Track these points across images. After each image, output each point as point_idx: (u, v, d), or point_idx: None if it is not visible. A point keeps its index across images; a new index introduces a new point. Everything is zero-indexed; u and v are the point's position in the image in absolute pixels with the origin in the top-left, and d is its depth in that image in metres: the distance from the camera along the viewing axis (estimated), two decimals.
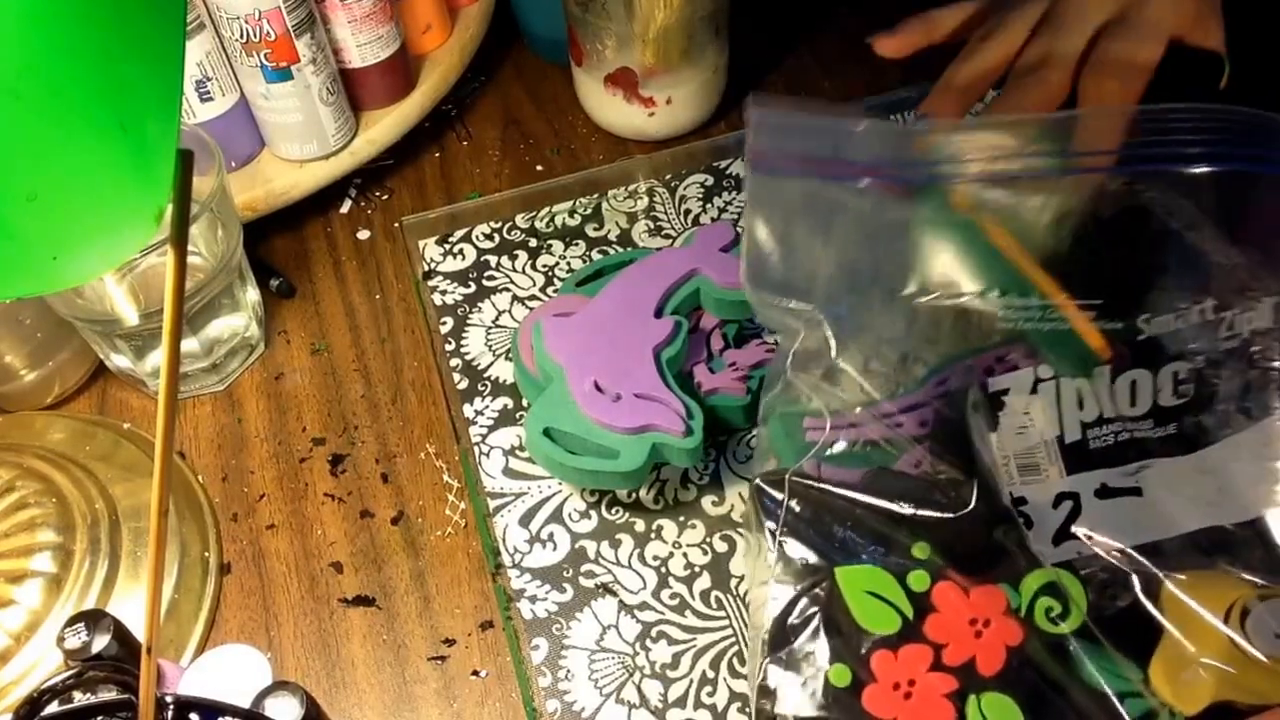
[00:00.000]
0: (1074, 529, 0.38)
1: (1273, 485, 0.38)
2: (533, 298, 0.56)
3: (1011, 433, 0.39)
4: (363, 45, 0.57)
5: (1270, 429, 0.39)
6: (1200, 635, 0.36)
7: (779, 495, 0.38)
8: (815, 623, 0.36)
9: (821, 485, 0.38)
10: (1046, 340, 0.39)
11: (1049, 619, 0.36)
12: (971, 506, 0.37)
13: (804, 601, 0.37)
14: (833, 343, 0.39)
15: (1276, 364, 0.39)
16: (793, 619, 0.37)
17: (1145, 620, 0.36)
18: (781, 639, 0.36)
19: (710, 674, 0.43)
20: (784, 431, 0.40)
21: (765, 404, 0.40)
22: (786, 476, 0.38)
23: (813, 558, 0.37)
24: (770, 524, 0.38)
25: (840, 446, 0.39)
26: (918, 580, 0.36)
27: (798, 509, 0.38)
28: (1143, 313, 0.39)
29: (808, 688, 0.36)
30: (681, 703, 0.42)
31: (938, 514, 0.37)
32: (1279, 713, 0.33)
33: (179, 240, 0.26)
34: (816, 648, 0.36)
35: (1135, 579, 0.37)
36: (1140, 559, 0.37)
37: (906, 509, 0.37)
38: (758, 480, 0.39)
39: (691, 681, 0.43)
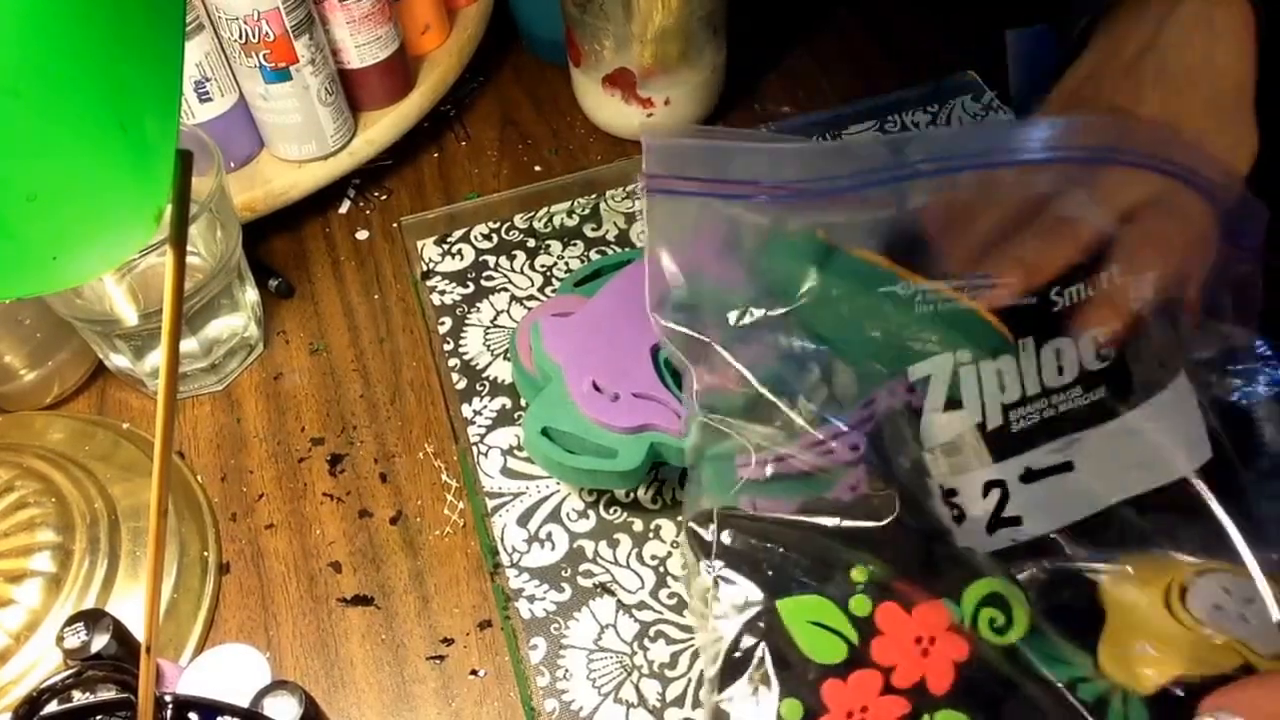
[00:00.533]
0: (1004, 514, 0.38)
1: (1197, 443, 0.39)
2: (531, 298, 0.56)
3: (935, 425, 0.39)
4: (361, 46, 0.58)
5: (1183, 386, 0.39)
6: (1143, 617, 0.36)
7: (708, 533, 0.37)
8: (761, 657, 0.35)
9: (752, 515, 0.38)
10: (955, 326, 0.39)
11: (993, 630, 0.35)
12: (896, 513, 0.36)
13: (747, 638, 0.36)
14: (744, 371, 0.39)
15: (1185, 319, 0.40)
16: (738, 654, 0.36)
17: (1088, 609, 0.37)
18: (731, 676, 0.36)
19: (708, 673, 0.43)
20: (715, 474, 0.39)
21: (689, 450, 0.40)
22: (715, 510, 0.37)
23: (754, 592, 0.36)
24: (705, 563, 0.37)
25: (770, 477, 0.38)
26: (859, 605, 0.35)
27: (729, 542, 0.37)
28: (1054, 285, 0.40)
29: None
30: (679, 702, 0.42)
31: (865, 523, 0.36)
32: (1239, 685, 0.33)
33: (178, 240, 0.26)
34: (766, 684, 0.35)
35: (1072, 571, 0.37)
36: (1074, 547, 0.38)
37: (833, 521, 0.37)
38: (689, 523, 0.38)
39: (689, 681, 0.43)
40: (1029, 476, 0.39)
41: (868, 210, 0.41)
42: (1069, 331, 0.39)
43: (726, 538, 0.37)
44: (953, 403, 0.39)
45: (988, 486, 0.39)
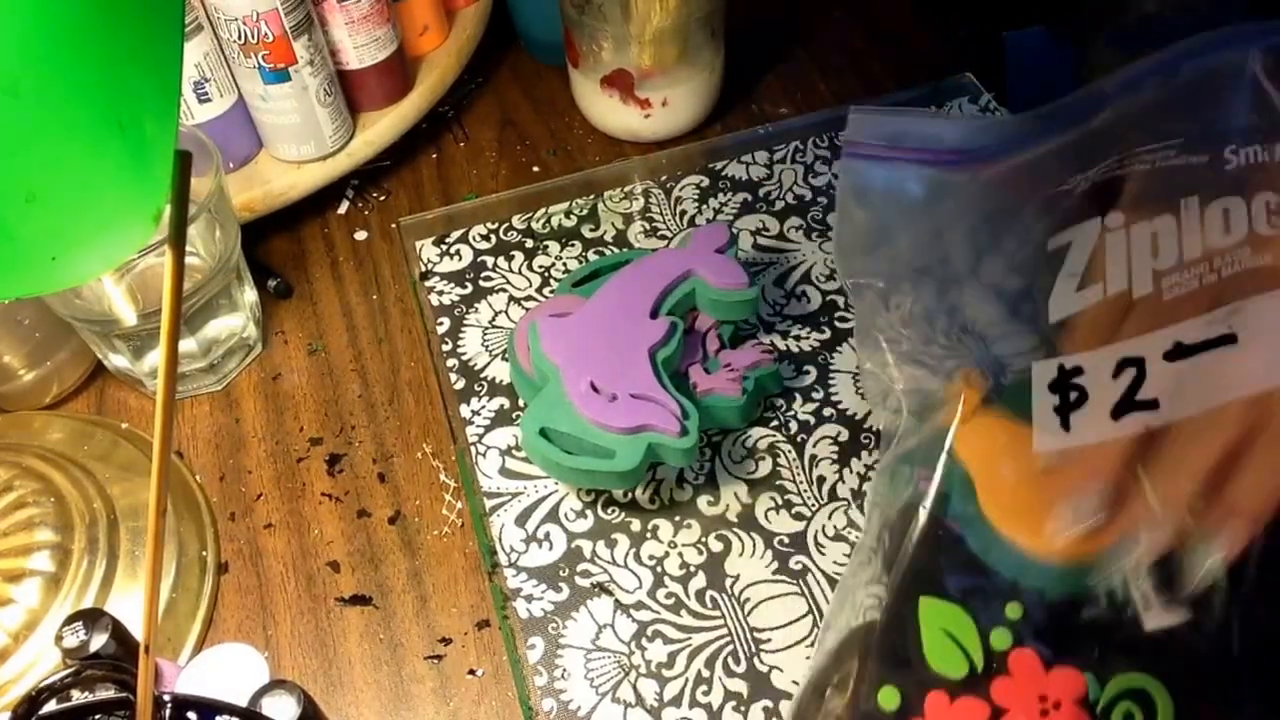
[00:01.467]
0: (1139, 397, 0.34)
1: None
2: (529, 298, 0.56)
3: (1069, 293, 0.36)
4: (360, 47, 0.58)
5: None
6: None
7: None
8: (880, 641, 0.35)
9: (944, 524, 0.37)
10: None
11: None
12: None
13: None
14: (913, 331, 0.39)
15: None
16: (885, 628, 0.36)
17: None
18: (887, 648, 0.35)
19: (705, 673, 0.43)
20: (888, 484, 0.39)
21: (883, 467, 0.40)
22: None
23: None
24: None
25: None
26: (1000, 638, 0.34)
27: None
28: (1228, 143, 0.36)
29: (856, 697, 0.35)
30: (677, 701, 0.42)
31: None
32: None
33: (177, 241, 0.26)
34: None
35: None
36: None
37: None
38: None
39: (687, 680, 0.43)
40: (1177, 353, 0.34)
41: (1056, 169, 0.39)
42: (1241, 191, 0.35)
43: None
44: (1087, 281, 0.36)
45: (1121, 365, 0.34)
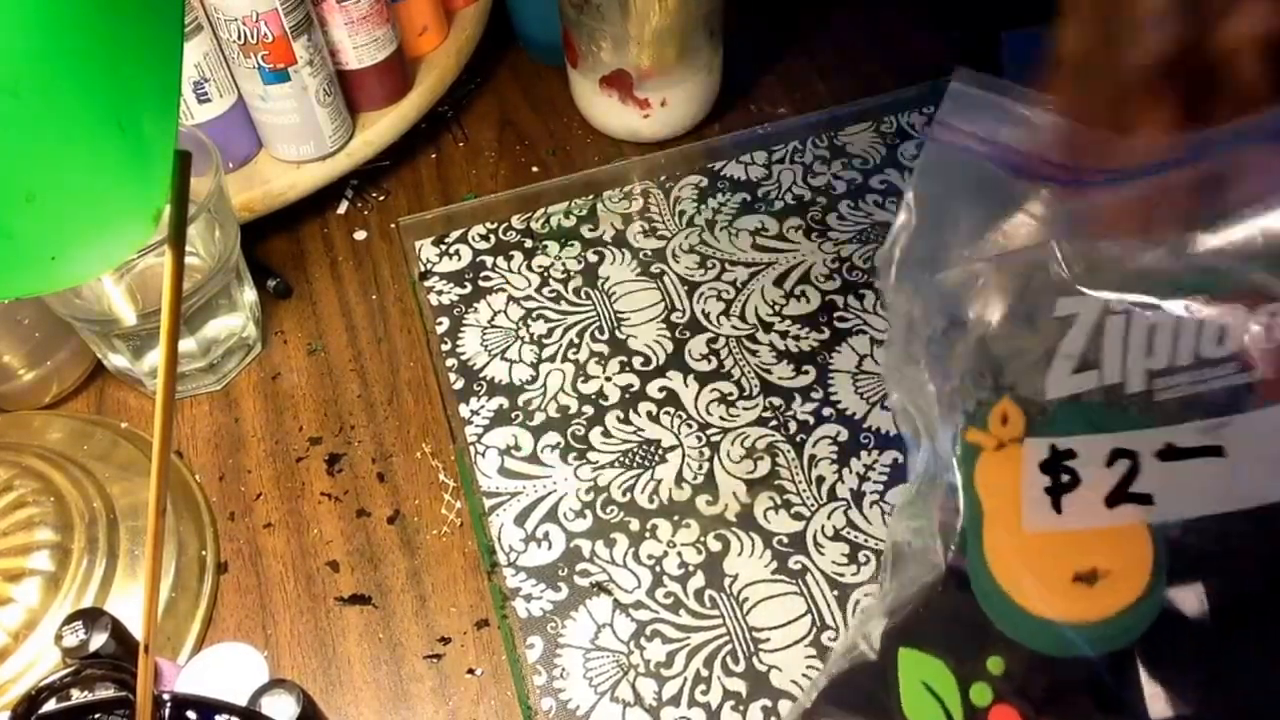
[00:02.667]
0: (1133, 490, 0.34)
1: None
2: (528, 298, 0.56)
3: (1065, 376, 0.35)
4: (360, 47, 0.58)
5: None
6: None
7: None
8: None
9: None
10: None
11: None
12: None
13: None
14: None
15: None
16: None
17: None
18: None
19: (704, 672, 0.43)
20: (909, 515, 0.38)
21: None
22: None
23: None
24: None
25: None
26: (979, 694, 0.33)
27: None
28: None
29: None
30: (675, 701, 0.42)
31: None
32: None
33: (177, 241, 0.26)
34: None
35: None
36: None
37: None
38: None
39: (685, 680, 0.43)
40: (1169, 454, 0.34)
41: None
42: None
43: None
44: (1086, 363, 0.35)
45: (1115, 454, 0.34)
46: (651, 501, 0.48)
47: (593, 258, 0.58)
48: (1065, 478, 0.35)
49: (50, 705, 0.33)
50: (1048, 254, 0.36)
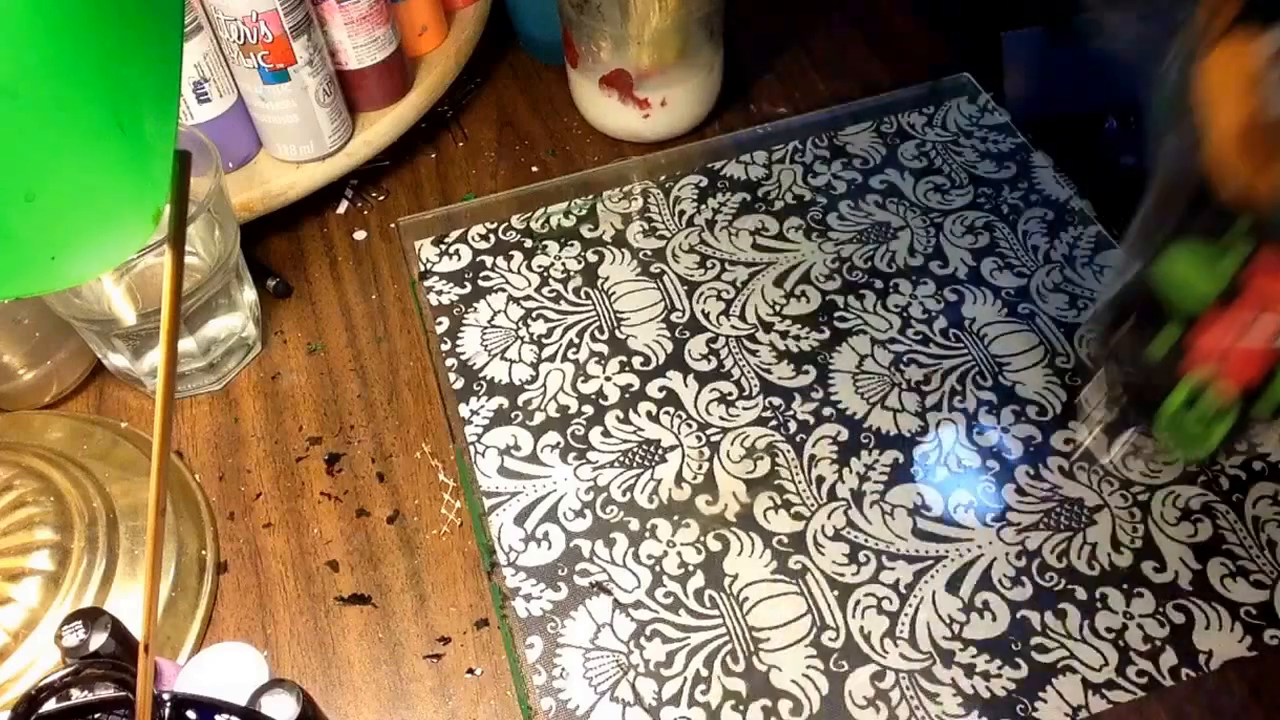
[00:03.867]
0: None
1: None
2: (528, 297, 0.56)
3: None
4: (359, 47, 0.58)
5: None
6: None
7: None
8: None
9: None
10: None
11: None
12: None
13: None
14: None
15: None
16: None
17: None
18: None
19: (704, 672, 0.43)
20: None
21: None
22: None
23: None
24: None
25: None
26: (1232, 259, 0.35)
27: None
28: None
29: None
30: (675, 700, 0.42)
31: None
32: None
33: (176, 241, 0.26)
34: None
35: None
36: None
37: None
38: None
39: (685, 680, 0.43)
40: None
41: None
42: None
43: None
44: None
45: None
46: (651, 501, 0.48)
47: (592, 258, 0.58)
48: None
49: (50, 705, 0.33)
50: None
